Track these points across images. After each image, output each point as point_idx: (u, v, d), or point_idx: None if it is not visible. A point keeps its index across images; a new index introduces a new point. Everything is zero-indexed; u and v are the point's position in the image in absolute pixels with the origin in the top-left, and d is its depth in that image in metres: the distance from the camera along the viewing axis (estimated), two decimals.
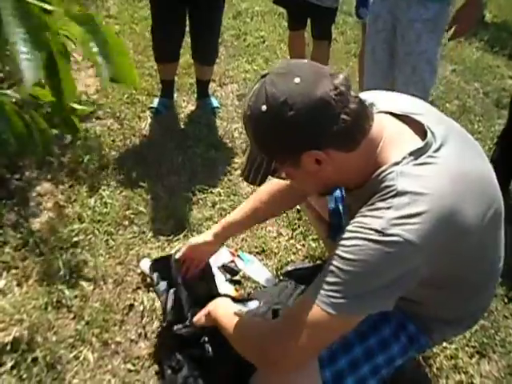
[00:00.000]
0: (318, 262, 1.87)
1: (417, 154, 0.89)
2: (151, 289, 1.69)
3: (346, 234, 0.90)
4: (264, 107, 0.87)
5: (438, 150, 0.90)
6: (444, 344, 1.63)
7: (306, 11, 2.65)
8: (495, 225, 1.00)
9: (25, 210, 1.97)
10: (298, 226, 2.03)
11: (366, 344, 1.11)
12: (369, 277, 0.86)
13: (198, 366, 1.31)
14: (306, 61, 0.95)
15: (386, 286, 0.87)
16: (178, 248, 1.55)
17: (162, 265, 1.51)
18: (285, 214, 2.08)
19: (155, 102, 2.75)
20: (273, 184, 1.37)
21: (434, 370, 1.56)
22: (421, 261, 0.86)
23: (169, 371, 1.34)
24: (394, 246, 0.83)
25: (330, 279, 0.89)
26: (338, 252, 0.89)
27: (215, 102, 2.83)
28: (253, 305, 1.46)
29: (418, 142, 0.91)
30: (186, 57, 3.08)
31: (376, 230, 0.84)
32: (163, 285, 1.46)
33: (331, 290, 0.88)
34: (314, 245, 1.94)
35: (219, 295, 1.49)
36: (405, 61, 2.04)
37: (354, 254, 0.86)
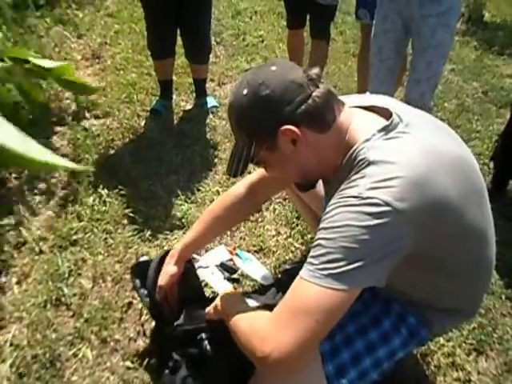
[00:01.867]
0: None
1: (385, 130, 0.94)
2: None
3: (327, 208, 0.92)
4: (245, 91, 0.98)
5: (405, 127, 0.94)
6: (442, 341, 1.63)
7: (306, 8, 2.65)
8: (478, 206, 1.01)
9: (24, 208, 1.98)
10: (297, 225, 2.04)
11: (368, 337, 1.12)
12: (355, 241, 0.85)
13: (196, 366, 1.29)
14: (285, 59, 1.04)
15: (374, 252, 0.86)
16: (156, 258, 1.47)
17: (141, 271, 1.46)
18: (283, 213, 2.09)
19: (154, 103, 2.76)
20: (225, 197, 1.43)
21: (432, 367, 1.57)
22: (402, 227, 0.86)
23: (166, 371, 1.32)
24: (373, 206, 0.84)
25: (317, 252, 0.88)
26: (321, 225, 0.91)
27: (213, 102, 2.83)
28: (256, 303, 1.46)
29: (384, 122, 0.97)
30: (183, 57, 3.08)
31: (353, 196, 0.87)
32: (144, 291, 1.43)
33: (321, 263, 0.87)
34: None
35: (202, 293, 1.50)
36: (421, 56, 2.06)
37: (337, 221, 0.87)
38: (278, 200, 2.16)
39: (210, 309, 1.27)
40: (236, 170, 1.05)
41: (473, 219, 0.98)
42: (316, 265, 0.87)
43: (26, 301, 1.61)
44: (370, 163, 0.89)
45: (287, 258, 1.89)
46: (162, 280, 1.38)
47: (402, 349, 1.14)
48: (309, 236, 1.98)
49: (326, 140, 0.99)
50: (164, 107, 2.74)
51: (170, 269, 1.39)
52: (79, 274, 1.73)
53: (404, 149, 0.90)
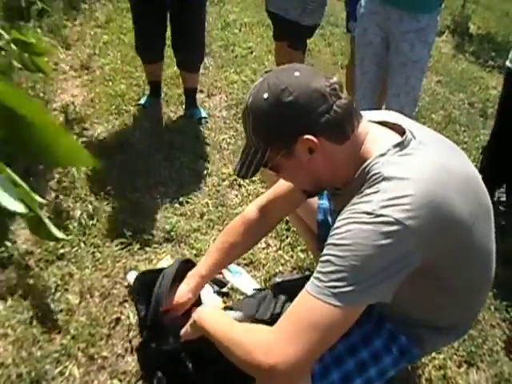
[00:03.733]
0: (307, 273, 1.87)
1: (400, 146, 0.94)
2: None
3: (338, 223, 0.91)
4: (266, 95, 0.96)
5: (418, 145, 0.95)
6: (433, 354, 1.63)
7: (284, 24, 2.65)
8: (486, 227, 1.02)
9: (10, 221, 1.95)
10: (286, 237, 2.03)
11: (358, 357, 1.11)
12: (366, 260, 0.85)
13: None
14: (304, 65, 1.05)
15: (383, 270, 0.86)
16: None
17: (145, 289, 1.43)
18: None
19: (143, 99, 2.83)
20: (238, 222, 1.39)
21: (423, 380, 1.56)
22: (412, 244, 0.86)
23: None
24: (386, 225, 0.84)
25: (327, 269, 0.88)
26: (331, 241, 0.90)
27: (203, 113, 2.83)
28: (235, 315, 1.45)
29: (399, 139, 0.97)
30: (173, 68, 3.08)
31: (366, 213, 0.86)
32: (143, 308, 1.41)
33: (331, 280, 0.86)
34: (302, 256, 1.94)
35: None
36: (399, 71, 2.10)
37: (348, 238, 0.87)
38: None
39: (186, 328, 1.24)
40: (246, 172, 1.04)
41: (480, 239, 0.99)
42: (325, 282, 0.87)
43: (11, 317, 1.58)
44: (384, 178, 0.89)
45: (277, 270, 1.88)
46: (176, 306, 1.33)
47: (392, 368, 1.14)
48: (298, 248, 1.98)
49: (343, 151, 0.98)
50: (151, 104, 2.80)
51: (184, 296, 1.33)
52: (66, 290, 1.70)
53: (418, 166, 0.91)
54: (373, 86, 2.27)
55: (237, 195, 2.26)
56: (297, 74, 0.96)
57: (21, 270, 1.74)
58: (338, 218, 0.93)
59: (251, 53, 3.60)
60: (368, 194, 0.89)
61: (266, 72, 1.02)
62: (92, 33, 3.58)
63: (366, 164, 0.95)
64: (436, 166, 0.92)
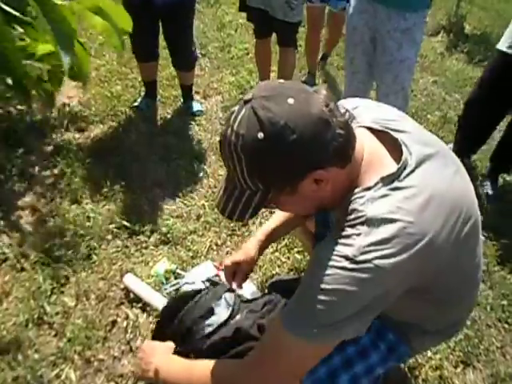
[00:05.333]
0: (303, 274, 1.87)
1: (389, 179, 0.88)
2: (135, 304, 1.67)
3: (318, 262, 0.88)
4: (261, 134, 0.80)
5: (412, 171, 0.89)
6: (429, 354, 1.63)
7: (269, 21, 2.67)
8: (472, 237, 1.00)
9: (5, 223, 1.94)
10: (283, 239, 2.03)
11: (345, 353, 1.11)
12: (342, 305, 0.85)
13: None
14: (281, 80, 0.90)
15: (359, 312, 0.86)
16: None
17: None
18: None
19: (138, 101, 2.84)
20: None
21: (420, 381, 1.57)
22: (393, 284, 0.87)
23: None
24: (366, 272, 0.83)
25: (303, 307, 0.89)
26: (310, 280, 0.89)
27: (198, 106, 2.90)
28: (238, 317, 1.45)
29: (391, 165, 0.90)
30: (169, 69, 3.08)
31: (347, 258, 0.84)
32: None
33: (305, 318, 0.87)
34: (298, 257, 1.94)
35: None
36: (386, 69, 2.12)
37: (327, 283, 0.85)
38: (264, 214, 2.16)
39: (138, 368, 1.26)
40: (241, 216, 0.93)
41: (465, 253, 0.98)
42: (299, 319, 0.88)
43: (7, 320, 1.57)
44: (367, 220, 0.85)
45: (274, 272, 1.88)
46: (240, 259, 1.39)
47: (380, 365, 1.13)
48: (295, 250, 1.98)
49: (343, 173, 0.90)
50: (147, 105, 2.82)
51: (252, 253, 1.40)
52: (62, 292, 1.70)
53: (403, 203, 0.86)
54: (364, 85, 2.30)
55: None
56: (290, 101, 0.82)
57: (16, 273, 1.74)
58: (319, 253, 0.90)
59: (247, 54, 3.60)
60: (349, 236, 0.86)
61: (246, 101, 0.84)
62: (88, 34, 3.57)
63: (351, 194, 0.90)
64: (426, 200, 0.87)
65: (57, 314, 1.62)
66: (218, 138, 2.64)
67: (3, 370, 1.43)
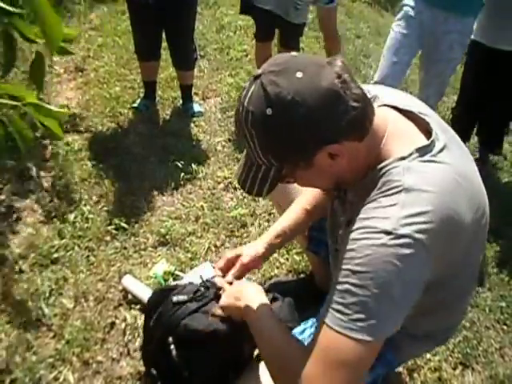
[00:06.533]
0: (302, 275, 1.87)
1: (423, 151, 0.86)
2: (133, 306, 1.67)
3: (353, 243, 0.82)
4: (269, 110, 0.80)
5: (441, 150, 0.88)
6: (428, 356, 1.63)
7: (274, 23, 2.68)
8: (483, 231, 0.99)
9: (3, 225, 1.94)
10: None
11: None
12: (388, 287, 0.78)
13: (171, 382, 1.27)
14: (294, 53, 0.88)
15: (405, 294, 0.81)
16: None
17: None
18: (268, 228, 2.07)
19: (137, 102, 2.84)
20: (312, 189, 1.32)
21: (419, 383, 1.57)
22: (429, 262, 0.82)
23: None
24: (407, 247, 0.78)
25: (348, 300, 0.80)
26: (348, 266, 0.81)
27: (198, 107, 2.90)
28: None
29: (423, 140, 0.89)
30: (168, 71, 3.09)
31: (385, 232, 0.79)
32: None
33: (355, 312, 0.79)
34: (297, 258, 1.94)
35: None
36: (434, 65, 2.31)
37: (367, 264, 0.79)
38: (263, 215, 2.16)
39: (226, 303, 1.16)
40: (259, 191, 0.93)
41: (474, 249, 0.97)
42: (348, 315, 0.80)
43: (5, 322, 1.57)
44: (404, 189, 0.81)
45: (272, 274, 1.88)
46: (250, 254, 1.29)
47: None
48: (294, 251, 1.98)
49: (363, 147, 0.88)
50: (146, 107, 2.83)
51: (261, 250, 1.30)
52: (60, 294, 1.69)
53: (440, 177, 0.84)
54: (404, 73, 2.41)
55: (232, 198, 2.26)
56: (299, 74, 0.80)
57: (15, 275, 1.73)
58: (352, 235, 0.84)
59: (246, 55, 3.60)
60: (384, 207, 0.82)
61: (256, 77, 0.84)
62: (86, 35, 3.57)
63: (383, 164, 0.87)
64: (456, 177, 0.86)
65: (55, 315, 1.61)
66: (216, 140, 2.65)
67: (1, 373, 1.42)
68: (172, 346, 1.24)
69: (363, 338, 0.79)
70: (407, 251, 0.78)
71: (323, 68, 0.82)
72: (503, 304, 1.90)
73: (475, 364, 1.67)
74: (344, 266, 0.82)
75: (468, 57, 2.57)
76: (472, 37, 2.37)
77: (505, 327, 1.82)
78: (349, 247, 0.83)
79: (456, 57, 2.27)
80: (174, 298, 1.28)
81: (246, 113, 0.83)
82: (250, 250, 1.31)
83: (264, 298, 1.10)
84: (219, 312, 1.20)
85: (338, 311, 0.81)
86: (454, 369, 1.64)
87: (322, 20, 3.36)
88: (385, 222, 0.80)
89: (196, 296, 1.29)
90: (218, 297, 1.25)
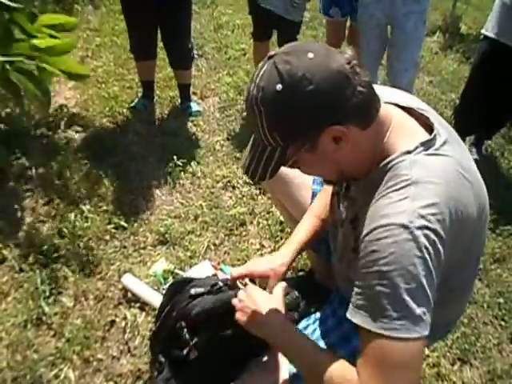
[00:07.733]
0: (301, 273, 1.88)
1: (427, 145, 0.88)
2: (133, 304, 1.68)
3: (374, 245, 0.83)
4: (279, 86, 0.82)
5: (443, 144, 0.90)
6: (426, 352, 1.64)
7: (272, 22, 2.70)
8: (485, 225, 1.00)
9: (4, 224, 1.94)
10: (281, 238, 2.03)
11: (327, 341, 1.12)
12: (417, 279, 0.79)
13: (178, 367, 1.27)
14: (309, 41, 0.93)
15: (431, 282, 0.81)
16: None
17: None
18: (267, 227, 2.09)
19: (135, 102, 2.85)
20: (325, 195, 1.31)
21: None
22: (442, 251, 0.83)
23: (155, 373, 1.32)
24: (426, 238, 0.80)
25: (384, 301, 0.80)
26: (375, 268, 0.82)
27: (196, 107, 2.90)
28: None
29: (425, 135, 0.91)
30: (166, 70, 3.09)
31: (404, 226, 0.80)
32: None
33: (395, 311, 0.79)
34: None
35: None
36: (404, 47, 2.44)
37: (394, 263, 0.79)
38: (261, 213, 2.16)
39: (245, 320, 1.06)
40: (263, 174, 0.93)
41: (475, 245, 0.98)
42: (389, 317, 0.79)
43: (6, 320, 1.58)
44: (413, 183, 0.83)
45: None
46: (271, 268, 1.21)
47: None
48: None
49: (367, 137, 0.89)
50: (144, 106, 2.83)
51: (282, 263, 1.23)
52: (60, 293, 1.70)
53: (444, 169, 0.87)
54: (377, 63, 2.65)
55: (231, 197, 2.27)
56: (310, 55, 0.83)
57: (15, 274, 1.74)
58: (370, 234, 0.84)
59: (244, 54, 3.61)
60: (396, 201, 0.83)
61: (270, 57, 0.87)
62: (85, 35, 3.58)
63: (389, 159, 0.89)
64: (459, 168, 0.88)
65: (55, 314, 1.62)
66: (215, 139, 2.66)
67: (2, 371, 1.43)
68: (184, 331, 1.24)
69: (411, 336, 0.79)
70: (426, 242, 0.80)
71: (334, 53, 0.85)
72: (501, 300, 1.90)
73: (473, 360, 1.68)
74: (370, 270, 0.83)
75: (481, 55, 2.58)
76: (490, 35, 2.46)
77: (503, 323, 1.83)
78: (370, 249, 0.83)
79: (421, 35, 2.44)
80: (193, 291, 1.29)
81: (257, 89, 0.86)
82: (281, 268, 1.23)
83: (282, 316, 1.05)
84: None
85: (378, 315, 0.81)
86: (453, 364, 1.65)
87: (353, 36, 3.08)
88: (400, 217, 0.81)
89: (214, 289, 1.30)
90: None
